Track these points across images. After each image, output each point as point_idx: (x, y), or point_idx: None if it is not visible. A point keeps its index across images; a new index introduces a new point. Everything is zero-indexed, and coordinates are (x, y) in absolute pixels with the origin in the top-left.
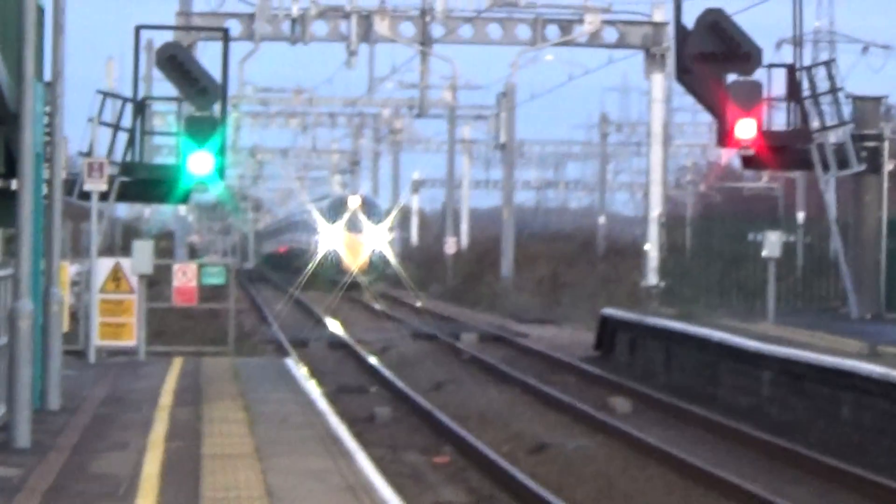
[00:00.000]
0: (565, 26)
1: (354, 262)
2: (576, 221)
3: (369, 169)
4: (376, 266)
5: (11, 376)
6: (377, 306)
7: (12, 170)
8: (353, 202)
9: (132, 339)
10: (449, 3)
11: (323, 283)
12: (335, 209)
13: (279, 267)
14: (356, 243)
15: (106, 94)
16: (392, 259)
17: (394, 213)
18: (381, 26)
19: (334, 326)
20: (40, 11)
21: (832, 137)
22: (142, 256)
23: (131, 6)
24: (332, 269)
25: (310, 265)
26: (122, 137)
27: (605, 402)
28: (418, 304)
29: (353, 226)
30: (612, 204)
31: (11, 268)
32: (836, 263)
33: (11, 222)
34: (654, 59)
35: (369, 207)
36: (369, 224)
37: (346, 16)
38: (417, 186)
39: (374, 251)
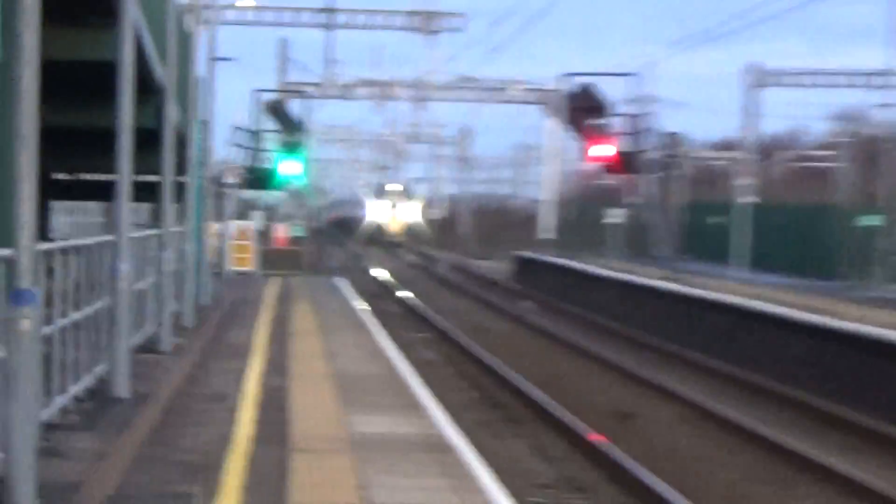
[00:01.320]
0: (500, 90)
1: (397, 228)
2: (505, 202)
3: (387, 174)
4: (411, 231)
5: (187, 287)
6: (410, 256)
7: (183, 171)
8: (397, 188)
9: (251, 265)
10: (435, 78)
11: (373, 241)
12: (383, 192)
13: (332, 228)
14: (395, 216)
15: (237, 128)
16: (425, 226)
17: (425, 195)
18: (395, 90)
19: (366, 260)
20: (199, 80)
21: (653, 155)
22: (257, 220)
23: (252, 77)
24: (380, 233)
25: (361, 230)
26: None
27: (517, 304)
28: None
29: (395, 204)
30: (528, 191)
31: (182, 227)
32: (652, 227)
33: (183, 200)
34: (549, 111)
35: (408, 191)
36: (408, 202)
37: (373, 84)
38: (414, 182)
39: (410, 221)
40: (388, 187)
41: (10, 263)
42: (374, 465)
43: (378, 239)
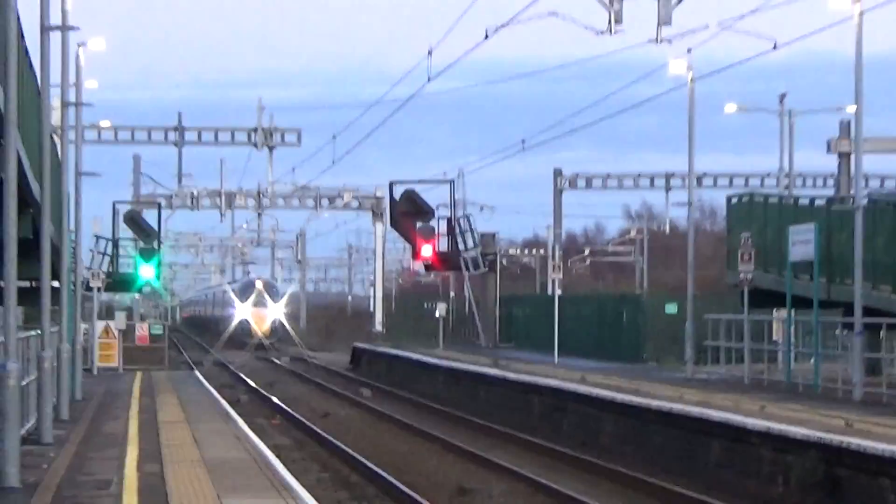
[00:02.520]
0: (332, 198)
1: (261, 329)
2: (338, 299)
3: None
4: (277, 331)
5: (63, 382)
6: (278, 361)
7: (57, 277)
8: (259, 285)
9: (115, 362)
10: (275, 188)
11: (236, 344)
12: (245, 290)
13: (187, 325)
14: (261, 315)
15: (98, 237)
16: (287, 326)
17: (288, 292)
18: (239, 200)
19: (217, 354)
20: (67, 195)
21: (471, 253)
22: (120, 320)
23: (111, 190)
24: (248, 333)
25: (227, 330)
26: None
27: (358, 391)
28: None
29: (259, 302)
30: (357, 289)
31: (58, 326)
32: (472, 318)
33: (57, 303)
34: (377, 216)
35: (273, 290)
36: (270, 301)
37: (220, 195)
38: (279, 281)
39: (275, 321)
40: (257, 284)
41: None
42: None
43: (245, 340)
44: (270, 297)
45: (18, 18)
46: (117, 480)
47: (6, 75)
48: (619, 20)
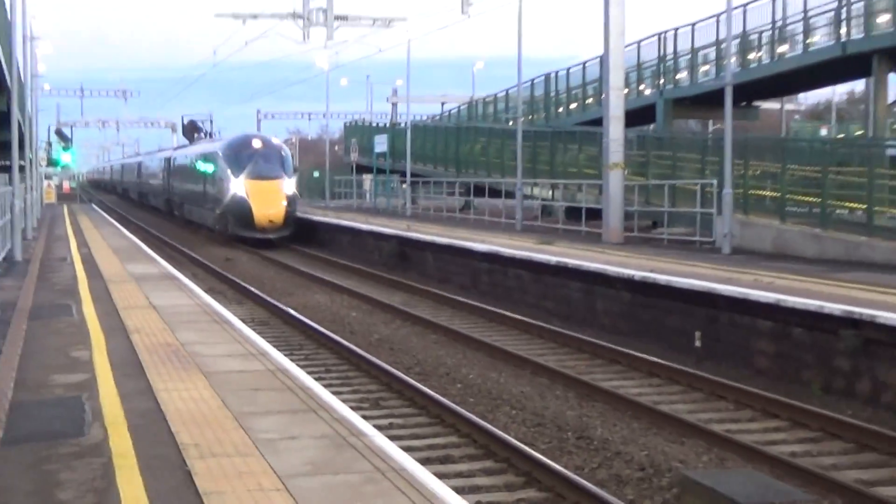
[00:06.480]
0: (155, 122)
1: (267, 214)
2: None
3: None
4: (289, 217)
5: (34, 211)
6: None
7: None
8: (257, 143)
9: (53, 200)
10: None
11: (218, 238)
12: (235, 152)
13: (89, 185)
14: (267, 191)
15: (42, 141)
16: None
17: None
18: (111, 124)
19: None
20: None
21: None
22: (56, 180)
23: (45, 118)
24: (239, 222)
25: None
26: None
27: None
28: None
29: (259, 173)
30: None
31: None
32: None
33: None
34: (174, 132)
35: (284, 160)
36: (287, 177)
37: (104, 120)
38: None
39: (290, 196)
40: (254, 142)
41: None
42: (146, 287)
43: (241, 232)
44: (283, 172)
45: None
46: (70, 256)
47: None
48: (307, 37)
